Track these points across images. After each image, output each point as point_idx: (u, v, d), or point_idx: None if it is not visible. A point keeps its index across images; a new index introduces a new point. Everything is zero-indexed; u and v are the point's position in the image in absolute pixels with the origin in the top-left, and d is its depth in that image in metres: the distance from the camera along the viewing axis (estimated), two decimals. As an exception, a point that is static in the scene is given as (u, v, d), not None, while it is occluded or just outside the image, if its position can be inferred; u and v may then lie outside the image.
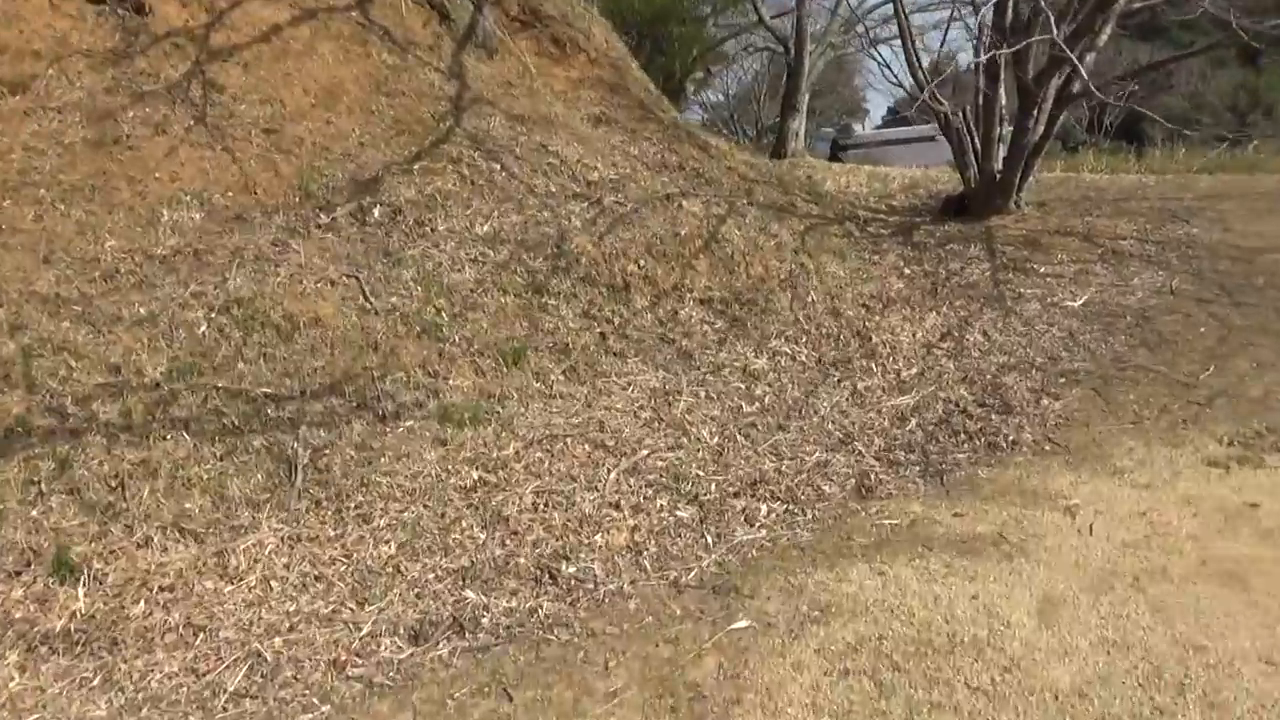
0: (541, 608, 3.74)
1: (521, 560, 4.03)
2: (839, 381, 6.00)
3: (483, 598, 3.78)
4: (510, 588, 3.87)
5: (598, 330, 5.98)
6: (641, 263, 6.62)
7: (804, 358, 6.24)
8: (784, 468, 4.93)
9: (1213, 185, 10.95)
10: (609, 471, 4.74)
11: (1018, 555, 3.85)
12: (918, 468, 4.94)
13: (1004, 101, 9.57)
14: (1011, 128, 9.46)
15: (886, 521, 4.32)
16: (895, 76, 15.66)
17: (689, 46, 22.00)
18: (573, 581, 3.92)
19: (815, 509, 4.55)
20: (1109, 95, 10.91)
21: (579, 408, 5.26)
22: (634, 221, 6.97)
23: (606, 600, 3.81)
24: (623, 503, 4.50)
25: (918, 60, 9.84)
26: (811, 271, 7.46)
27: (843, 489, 4.76)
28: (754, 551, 4.16)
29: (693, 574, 3.99)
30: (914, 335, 6.73)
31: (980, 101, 9.60)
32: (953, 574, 3.75)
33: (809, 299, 7.01)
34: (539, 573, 3.96)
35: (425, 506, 4.38)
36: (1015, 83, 9.22)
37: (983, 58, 8.74)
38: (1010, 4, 8.76)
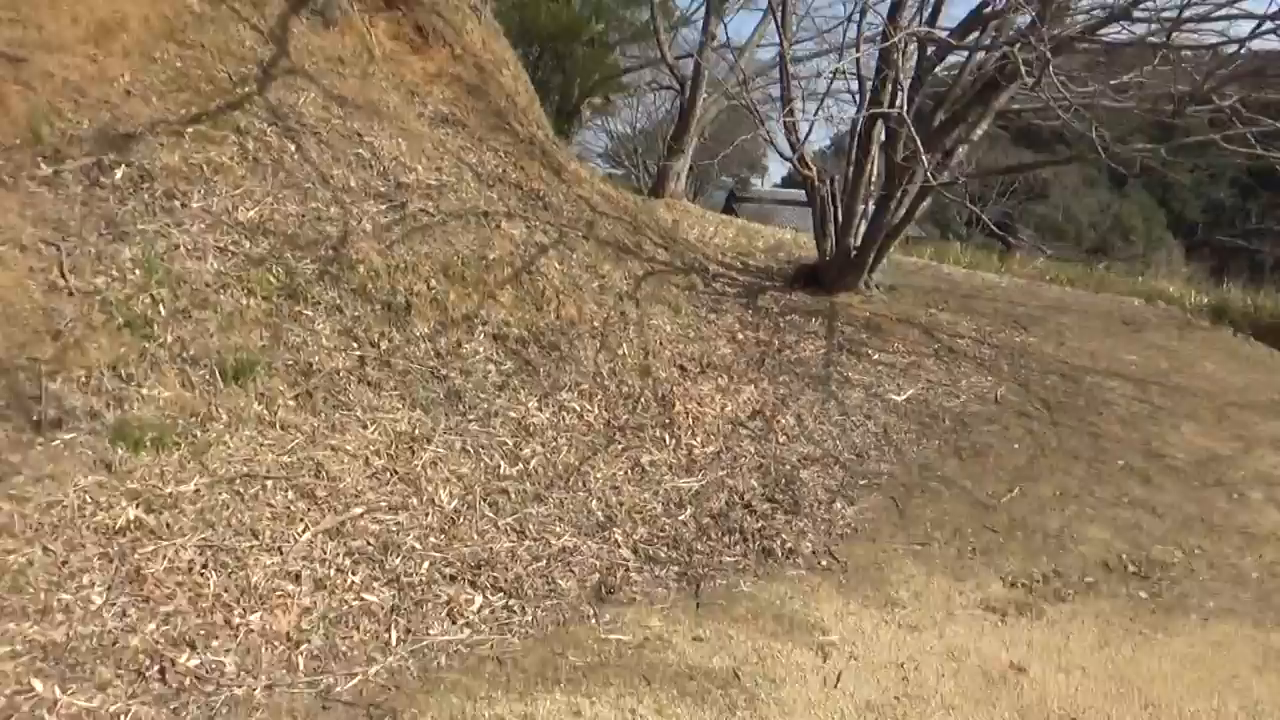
0: (127, 713, 2.86)
1: (135, 641, 3.13)
2: (623, 451, 5.33)
3: (54, 692, 2.86)
4: (102, 679, 2.97)
5: (357, 353, 5.13)
6: (433, 283, 5.83)
7: (593, 418, 5.55)
8: (522, 550, 4.20)
9: (1059, 297, 10.98)
10: (305, 530, 3.89)
11: (744, 706, 3.22)
12: (676, 569, 4.29)
13: (874, 178, 9.28)
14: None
15: (614, 636, 3.63)
16: (766, 134, 15.47)
17: (591, 70, 21.47)
18: (189, 679, 3.05)
19: (540, 608, 3.82)
20: (963, 191, 10.80)
21: (298, 444, 4.39)
22: (437, 235, 6.18)
23: (222, 710, 2.95)
24: (305, 574, 3.67)
25: (793, 122, 9.45)
26: (632, 322, 6.83)
27: (581, 585, 4.06)
28: (443, 659, 3.39)
29: (353, 683, 3.18)
30: (723, 409, 6.16)
31: (849, 174, 9.30)
32: (660, 724, 3.08)
33: (620, 351, 6.35)
34: (149, 661, 3.07)
35: (45, 549, 3.43)
36: (885, 162, 8.94)
37: (860, 120, 8.43)
38: (890, 83, 8.47)
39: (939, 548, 4.75)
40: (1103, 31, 6.51)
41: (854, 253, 9.07)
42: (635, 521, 4.66)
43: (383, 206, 6.13)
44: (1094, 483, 5.81)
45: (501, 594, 3.86)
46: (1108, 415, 6.86)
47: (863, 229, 9.09)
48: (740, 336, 7.60)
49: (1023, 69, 5.95)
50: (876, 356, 7.63)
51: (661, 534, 4.60)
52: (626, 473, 5.15)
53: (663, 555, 4.39)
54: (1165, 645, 3.93)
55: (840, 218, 9.16)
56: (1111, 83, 8.08)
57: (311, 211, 5.73)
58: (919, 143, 6.11)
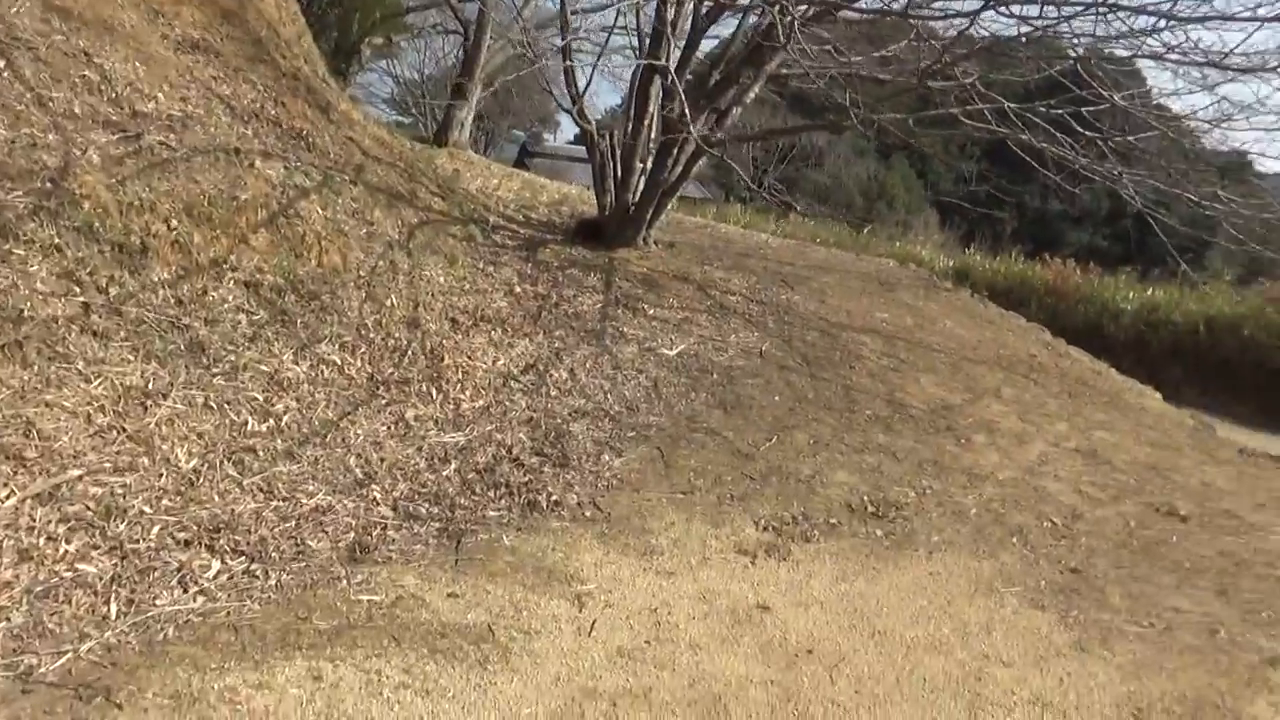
0: None
1: None
2: (387, 406, 5.12)
3: None
4: None
5: (80, 299, 4.58)
6: (174, 224, 5.30)
7: (354, 371, 5.29)
8: (269, 511, 3.94)
9: (824, 258, 11.64)
10: (9, 496, 3.45)
11: (497, 660, 3.19)
12: (437, 525, 4.18)
13: (653, 136, 9.37)
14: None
15: (365, 597, 3.49)
16: (546, 84, 15.29)
17: (371, 7, 20.28)
18: None
19: (286, 571, 3.61)
20: (741, 154, 11.20)
21: (4, 400, 3.87)
22: (180, 172, 5.62)
23: (-111, 704, 2.57)
24: (7, 544, 3.25)
25: (570, 68, 9.35)
26: (403, 272, 6.56)
27: (334, 546, 3.87)
28: (172, 630, 3.12)
29: (60, 662, 2.87)
30: (494, 362, 6.06)
31: (628, 129, 9.35)
32: (408, 685, 2.99)
33: (387, 302, 6.08)
34: None
35: None
36: (663, 120, 9.05)
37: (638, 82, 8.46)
38: (665, 39, 8.54)
39: (700, 495, 4.91)
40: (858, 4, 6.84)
41: (633, 209, 9.17)
42: (396, 478, 4.49)
43: (114, 137, 5.49)
44: (844, 431, 6.21)
45: (243, 558, 3.61)
46: (859, 369, 7.36)
47: (642, 185, 9.21)
48: (518, 290, 7.50)
49: (781, 33, 6.15)
50: (652, 312, 7.77)
51: (423, 490, 4.46)
52: (389, 428, 4.96)
53: (424, 512, 4.27)
54: (894, 578, 4.28)
55: (619, 173, 9.22)
56: (874, 55, 8.60)
57: (24, 138, 5.03)
58: (684, 100, 6.19)
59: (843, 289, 9.75)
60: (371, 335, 5.70)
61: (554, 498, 4.62)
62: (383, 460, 4.61)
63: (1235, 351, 11.53)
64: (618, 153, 9.29)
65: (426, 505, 4.34)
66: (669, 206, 9.57)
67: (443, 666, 3.11)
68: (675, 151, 8.82)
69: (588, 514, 4.53)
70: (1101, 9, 5.55)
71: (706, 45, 10.01)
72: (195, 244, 5.33)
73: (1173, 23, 5.63)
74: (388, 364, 5.53)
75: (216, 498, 3.91)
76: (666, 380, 6.52)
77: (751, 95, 9.36)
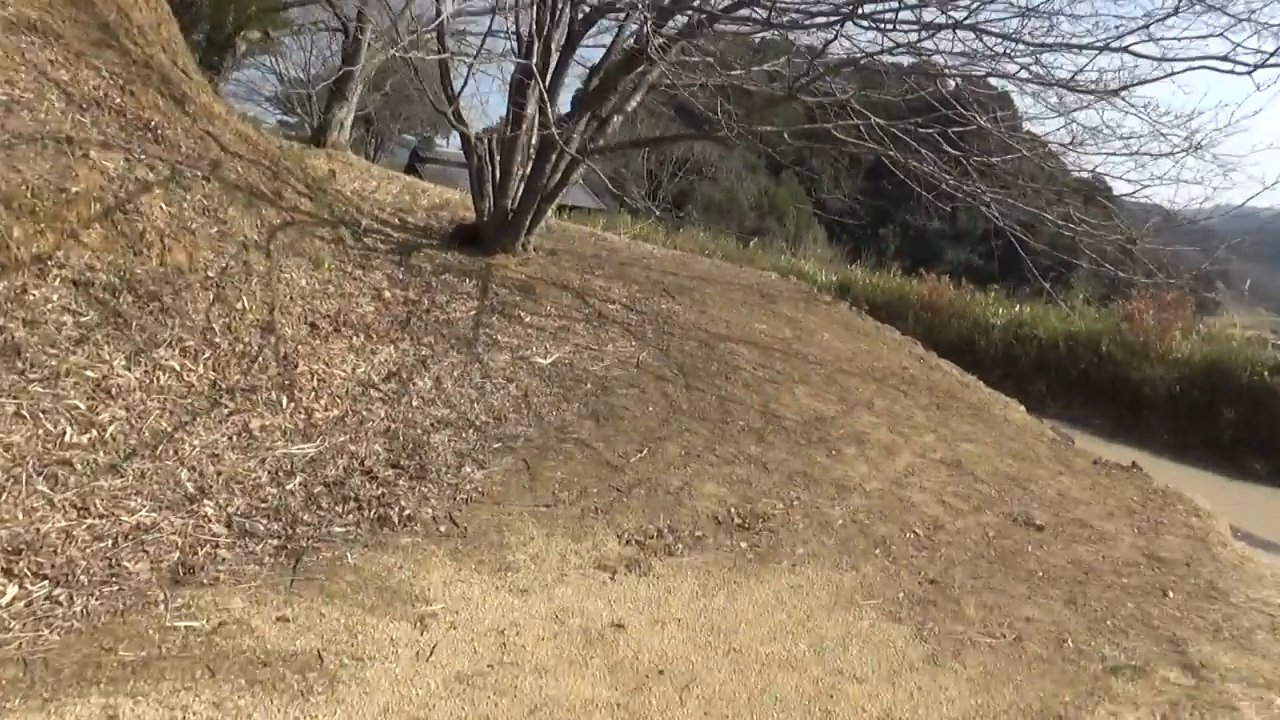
0: None
1: None
2: (229, 415, 4.78)
3: None
4: None
5: None
6: (-9, 217, 4.84)
7: (195, 379, 4.93)
8: (81, 530, 3.59)
9: (707, 269, 11.69)
10: None
11: (321, 691, 2.95)
12: (276, 542, 3.90)
13: (532, 141, 9.20)
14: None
15: (183, 623, 3.19)
16: (418, 83, 14.80)
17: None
18: None
19: (96, 596, 3.28)
20: (631, 162, 11.17)
21: None
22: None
23: None
24: None
25: (447, 73, 9.09)
26: (259, 274, 6.19)
27: (155, 567, 3.54)
28: (-56, 667, 2.77)
29: None
30: (354, 370, 5.77)
31: (507, 133, 9.16)
32: (216, 721, 2.73)
33: (238, 305, 5.72)
34: None
35: None
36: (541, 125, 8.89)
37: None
38: (541, 42, 8.39)
39: (564, 509, 4.75)
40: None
41: (511, 214, 8.99)
42: (233, 492, 4.18)
43: (-78, 119, 5.00)
44: (717, 442, 6.16)
45: (45, 582, 3.26)
46: (735, 379, 7.35)
47: (521, 191, 9.03)
48: (387, 295, 7.21)
49: (652, 44, 6.10)
50: (528, 319, 7.60)
51: (263, 505, 4.16)
52: (231, 439, 4.62)
53: (261, 528, 3.97)
54: (754, 592, 4.21)
55: (498, 178, 9.02)
56: (757, 69, 8.67)
57: None
58: (547, 105, 6.08)
59: (724, 300, 9.79)
60: (218, 340, 5.33)
61: (407, 512, 4.38)
62: (219, 474, 4.29)
63: (1094, 366, 12.11)
64: (496, 157, 9.09)
65: (265, 521, 4.04)
66: (549, 213, 9.42)
67: (259, 699, 2.86)
68: (554, 157, 8.68)
69: (442, 529, 4.31)
70: (958, 29, 5.69)
71: (593, 53, 9.95)
72: (15, 238, 4.88)
73: (1021, 45, 5.82)
74: (234, 371, 5.18)
75: (20, 515, 3.53)
76: (538, 390, 6.35)
77: (633, 104, 9.31)
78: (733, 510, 5.16)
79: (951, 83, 8.16)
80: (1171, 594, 5.16)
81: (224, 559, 3.72)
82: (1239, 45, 5.74)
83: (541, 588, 3.89)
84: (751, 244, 19.99)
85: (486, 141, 9.24)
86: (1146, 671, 4.12)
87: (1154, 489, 7.15)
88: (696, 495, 5.29)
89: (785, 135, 7.55)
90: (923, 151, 7.52)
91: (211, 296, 5.63)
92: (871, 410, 7.50)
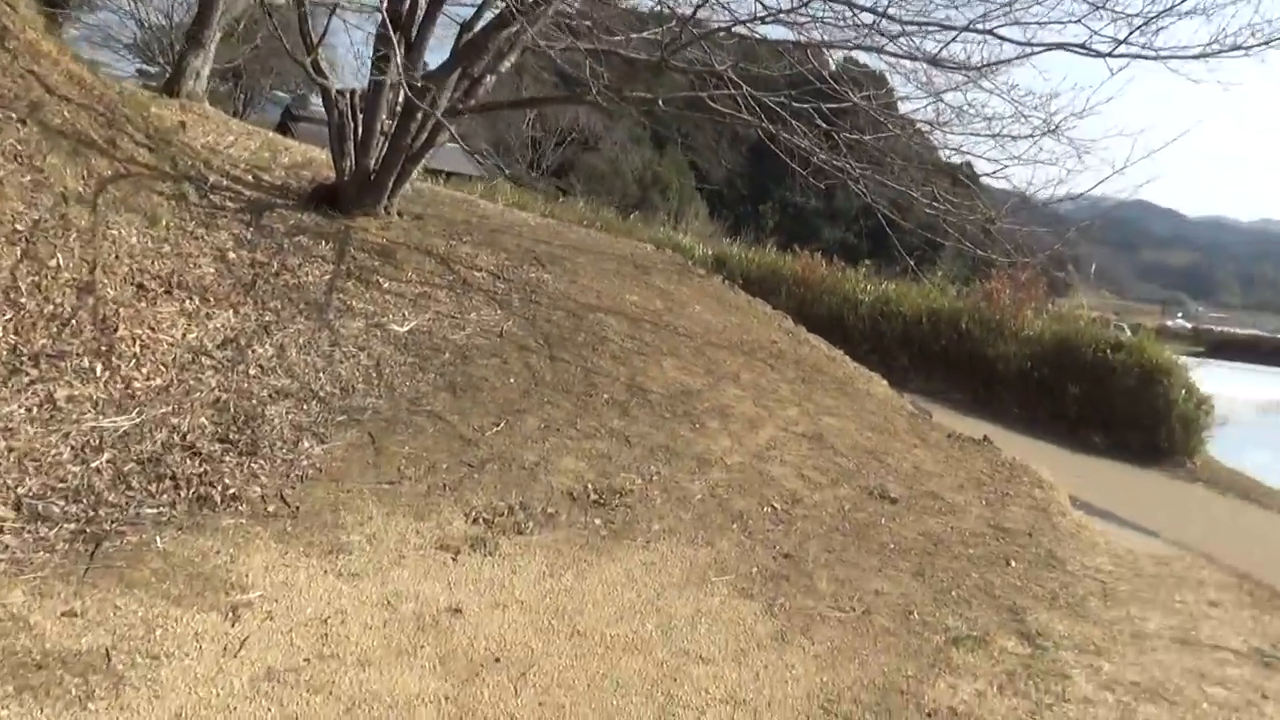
0: None
1: None
2: (32, 384, 4.30)
3: None
4: None
5: None
6: None
7: (-10, 343, 4.41)
8: None
9: (582, 238, 11.45)
10: None
11: (104, 695, 2.65)
12: (73, 526, 3.51)
13: (398, 99, 8.73)
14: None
15: (-56, 621, 2.81)
16: (274, 28, 13.90)
17: (91, -61, 17.94)
18: None
19: None
20: (515, 128, 10.83)
21: None
22: None
23: None
24: None
25: (306, 19, 8.53)
26: (79, 229, 5.63)
27: (-81, 557, 3.12)
28: None
29: None
30: (184, 335, 5.32)
31: (369, 89, 8.67)
32: (-31, 733, 2.39)
33: (51, 263, 5.17)
34: None
35: None
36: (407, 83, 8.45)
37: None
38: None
39: (409, 486, 4.50)
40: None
41: (374, 175, 8.53)
42: (26, 470, 3.75)
43: None
44: (579, 415, 5.99)
45: None
46: (602, 351, 7.19)
47: (385, 150, 8.58)
48: (231, 256, 6.71)
49: (514, 4, 5.83)
50: (386, 285, 7.23)
51: (61, 484, 3.75)
52: (31, 411, 4.16)
53: (57, 511, 3.57)
54: (604, 571, 4.08)
55: (360, 135, 8.54)
56: (634, 36, 8.45)
57: None
58: (401, 64, 5.73)
59: (596, 270, 9.59)
60: (23, 300, 4.80)
61: (231, 491, 4.04)
62: (12, 450, 3.84)
63: (954, 342, 12.51)
64: (359, 114, 8.61)
65: (62, 503, 3.64)
66: (414, 174, 8.99)
67: (28, 708, 2.53)
68: (420, 116, 8.26)
69: (271, 509, 3.99)
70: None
71: (468, 11, 9.50)
72: None
73: (890, 22, 5.82)
74: (41, 335, 4.67)
75: None
76: (392, 359, 6.02)
77: (506, 65, 8.95)
78: (590, 486, 5.01)
79: (832, 63, 8.19)
80: (1014, 563, 5.32)
81: (7, 545, 3.32)
82: (1096, 33, 5.91)
83: (375, 571, 3.64)
84: (632, 216, 19.81)
85: (349, 96, 8.73)
86: (986, 641, 4.20)
87: (1002, 461, 7.40)
88: (553, 470, 5.11)
89: (660, 103, 7.38)
90: (794, 124, 7.50)
91: (19, 252, 5.07)
92: (738, 384, 7.48)
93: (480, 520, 4.31)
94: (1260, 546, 7.47)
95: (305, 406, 5.07)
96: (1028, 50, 5.69)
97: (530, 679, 3.12)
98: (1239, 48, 5.33)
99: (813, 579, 4.50)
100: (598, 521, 4.63)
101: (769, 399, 7.30)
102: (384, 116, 8.70)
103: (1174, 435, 10.56)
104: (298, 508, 4.05)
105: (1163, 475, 10.38)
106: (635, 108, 8.14)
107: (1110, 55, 5.58)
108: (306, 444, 4.69)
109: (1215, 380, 11.67)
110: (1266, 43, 5.21)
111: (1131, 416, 10.69)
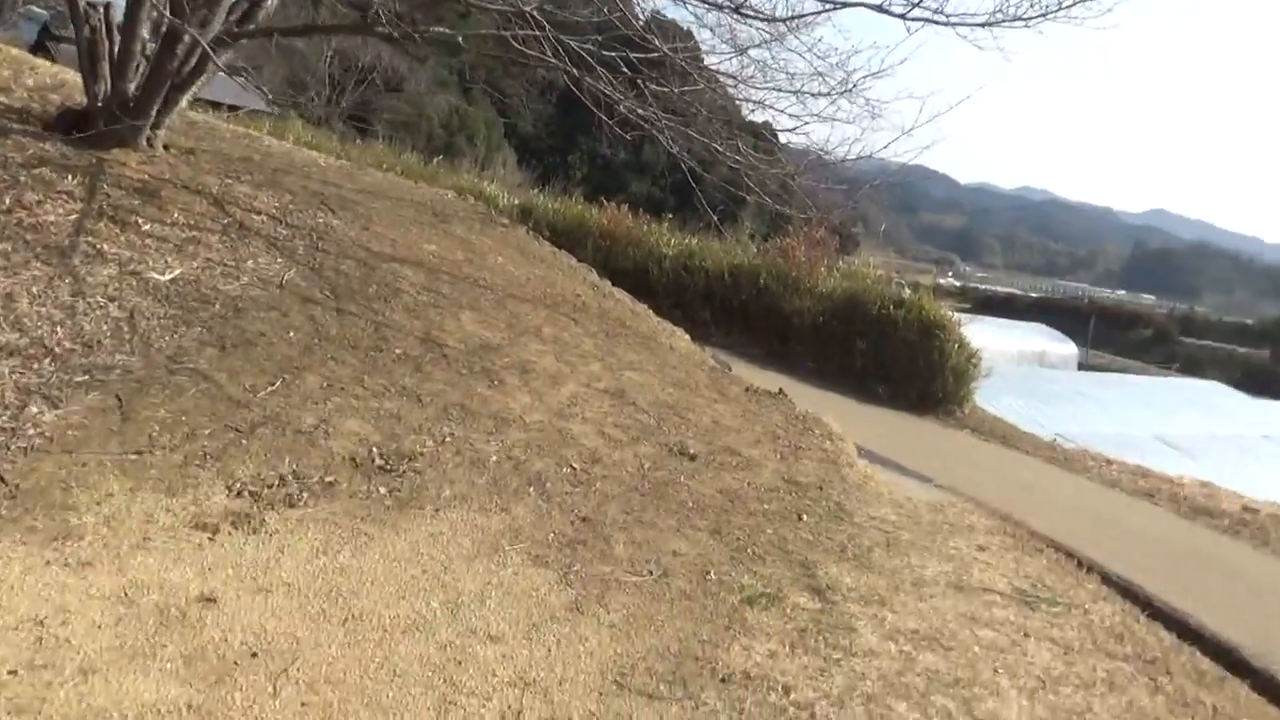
0: None
1: None
2: None
3: None
4: None
5: None
6: None
7: None
8: None
9: (378, 182, 10.78)
10: None
11: None
12: None
13: (163, 16, 7.75)
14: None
15: None
16: None
17: None
18: None
19: None
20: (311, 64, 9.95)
21: None
22: None
23: None
24: None
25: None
26: None
27: None
28: None
29: None
30: (-124, 282, 4.47)
31: (128, 3, 7.65)
32: None
33: None
34: None
35: None
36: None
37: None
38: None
39: (161, 455, 3.99)
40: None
41: (133, 101, 7.56)
42: None
43: None
44: (366, 373, 5.58)
45: None
46: (395, 303, 6.75)
47: (146, 74, 7.62)
48: (-50, 190, 5.74)
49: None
50: (147, 228, 6.43)
51: None
52: None
53: None
54: (387, 545, 3.78)
55: (116, 55, 7.54)
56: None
57: None
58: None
59: (392, 217, 9.03)
60: None
61: (-70, 468, 3.42)
62: None
63: (753, 297, 12.83)
64: (115, 31, 7.59)
65: None
66: (183, 103, 8.05)
67: None
68: (188, 39, 7.37)
69: (-21, 489, 3.40)
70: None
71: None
72: None
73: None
74: None
75: None
76: (149, 311, 5.36)
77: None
78: (375, 450, 4.66)
79: (642, 15, 8.01)
80: (805, 517, 5.45)
81: None
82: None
83: (112, 558, 3.17)
84: (435, 161, 18.96)
85: (103, 10, 7.67)
86: (779, 599, 4.26)
87: (796, 414, 7.63)
88: (334, 434, 4.71)
89: (461, 39, 6.92)
90: (601, 71, 7.27)
91: None
92: (540, 338, 7.26)
93: (245, 493, 3.88)
94: (1017, 489, 8.13)
95: (36, 365, 4.39)
96: (829, 4, 5.71)
97: (292, 674, 2.80)
98: (1019, 18, 5.59)
99: (610, 543, 4.39)
100: (382, 490, 4.30)
101: (571, 354, 7.13)
102: (145, 36, 7.72)
103: (947, 386, 11.35)
104: (18, 485, 3.48)
105: (936, 423, 11.14)
106: (434, 44, 7.61)
107: (905, 17, 5.71)
108: (35, 409, 4.06)
109: (981, 334, 12.61)
110: (1044, 14, 5.50)
111: (911, 369, 11.37)
